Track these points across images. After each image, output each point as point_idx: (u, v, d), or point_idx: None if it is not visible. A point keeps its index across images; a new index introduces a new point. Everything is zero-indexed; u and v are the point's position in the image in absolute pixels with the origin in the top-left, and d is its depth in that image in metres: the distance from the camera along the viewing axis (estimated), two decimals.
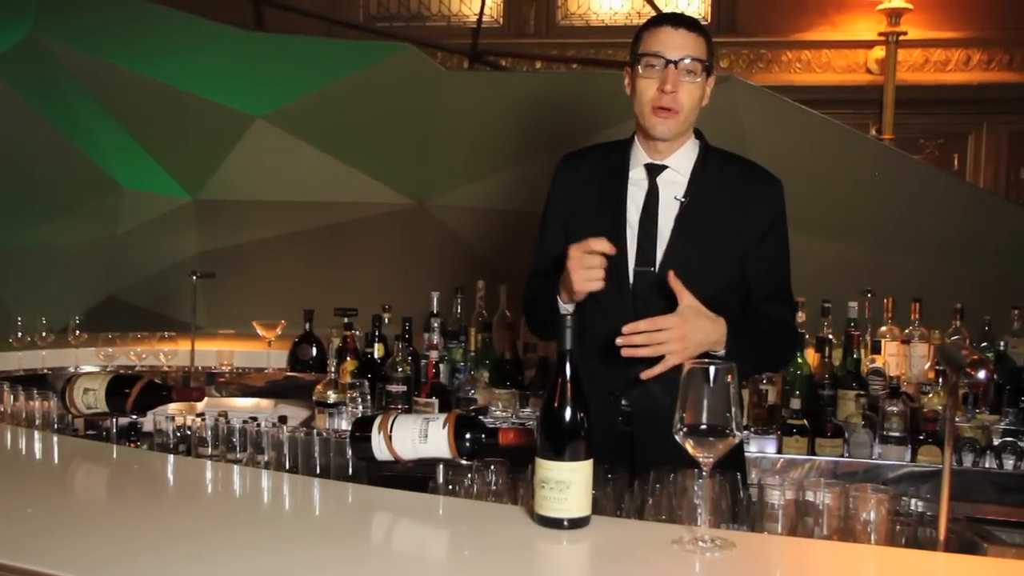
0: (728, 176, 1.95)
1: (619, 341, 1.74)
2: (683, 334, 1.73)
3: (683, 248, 1.88)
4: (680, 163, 1.94)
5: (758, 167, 1.98)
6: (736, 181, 1.95)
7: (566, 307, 1.87)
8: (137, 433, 2.27)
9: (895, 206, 3.83)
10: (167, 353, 3.33)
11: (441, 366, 2.97)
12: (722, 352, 1.79)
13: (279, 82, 4.05)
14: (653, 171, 1.94)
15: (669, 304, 1.79)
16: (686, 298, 1.76)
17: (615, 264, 1.91)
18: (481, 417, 2.70)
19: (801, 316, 2.88)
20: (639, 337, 1.74)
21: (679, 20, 1.87)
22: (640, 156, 1.96)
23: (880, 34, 6.99)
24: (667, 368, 1.74)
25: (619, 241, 1.91)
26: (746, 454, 2.33)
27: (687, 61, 1.83)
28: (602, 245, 1.77)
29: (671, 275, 1.78)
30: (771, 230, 1.93)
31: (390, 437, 1.66)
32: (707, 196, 1.92)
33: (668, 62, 1.83)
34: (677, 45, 1.84)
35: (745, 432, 2.59)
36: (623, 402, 1.93)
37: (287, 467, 1.97)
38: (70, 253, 4.42)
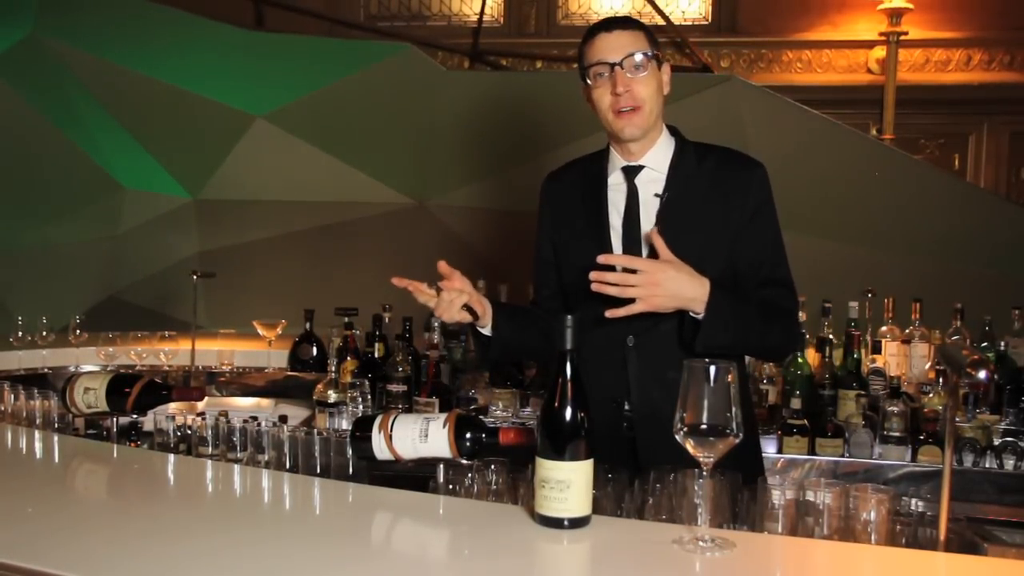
0: (706, 167, 1.93)
1: (592, 276, 1.75)
2: (655, 280, 1.73)
3: (667, 243, 1.83)
4: (656, 161, 1.94)
5: (737, 153, 1.96)
6: (715, 171, 1.93)
7: (482, 330, 1.90)
8: (137, 432, 2.26)
9: (896, 206, 3.83)
10: (168, 353, 3.33)
11: (442, 366, 2.97)
12: (701, 313, 1.76)
13: (279, 82, 4.05)
14: (631, 173, 1.94)
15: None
16: (667, 253, 1.77)
17: (605, 270, 1.90)
18: (481, 417, 2.70)
19: (802, 316, 2.86)
20: (612, 275, 1.75)
21: (611, 23, 1.91)
22: (616, 161, 1.97)
23: (881, 34, 6.98)
24: (631, 313, 1.75)
25: (605, 247, 1.91)
26: None
27: (630, 58, 1.85)
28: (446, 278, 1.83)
29: (654, 231, 1.79)
30: (757, 213, 1.90)
31: (390, 437, 1.66)
32: (686, 189, 1.91)
33: (612, 65, 1.85)
34: (615, 47, 1.86)
35: None
36: (626, 408, 1.92)
37: (287, 467, 1.96)
38: (71, 253, 4.42)
